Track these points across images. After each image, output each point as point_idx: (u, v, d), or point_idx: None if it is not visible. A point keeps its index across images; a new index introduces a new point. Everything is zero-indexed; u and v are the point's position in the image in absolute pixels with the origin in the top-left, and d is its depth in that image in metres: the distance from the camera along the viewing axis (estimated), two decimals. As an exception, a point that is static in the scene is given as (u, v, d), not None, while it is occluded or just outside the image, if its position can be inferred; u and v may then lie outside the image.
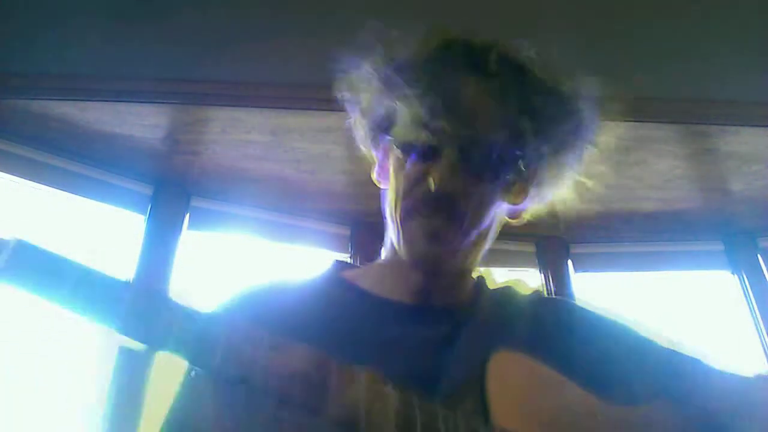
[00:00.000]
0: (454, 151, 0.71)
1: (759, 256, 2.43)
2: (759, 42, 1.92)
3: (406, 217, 0.74)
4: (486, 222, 0.75)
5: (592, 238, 2.46)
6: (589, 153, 0.82)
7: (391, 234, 0.78)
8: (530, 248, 2.44)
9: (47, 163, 1.95)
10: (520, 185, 0.78)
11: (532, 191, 0.80)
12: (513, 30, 0.79)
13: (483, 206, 0.74)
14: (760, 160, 2.11)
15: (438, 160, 0.71)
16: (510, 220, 0.83)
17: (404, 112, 0.74)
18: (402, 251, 0.75)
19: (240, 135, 1.95)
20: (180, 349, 0.52)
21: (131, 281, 0.54)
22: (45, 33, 1.73)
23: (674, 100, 1.95)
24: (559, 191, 0.82)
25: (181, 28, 1.78)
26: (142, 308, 0.52)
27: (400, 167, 0.76)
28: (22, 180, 1.92)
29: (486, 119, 0.73)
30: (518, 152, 0.73)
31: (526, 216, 0.84)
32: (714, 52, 1.90)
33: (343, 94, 0.82)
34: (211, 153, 2.02)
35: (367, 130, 0.81)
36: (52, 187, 1.96)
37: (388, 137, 0.77)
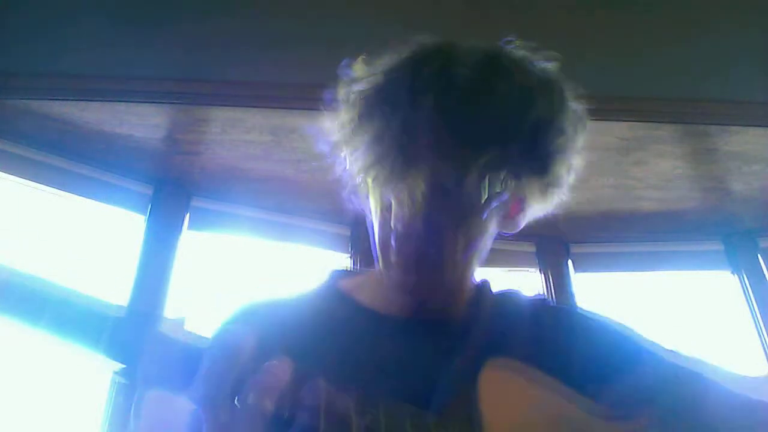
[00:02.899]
0: (415, 175, 0.67)
1: (759, 256, 2.43)
2: (759, 42, 1.92)
3: (383, 245, 0.73)
4: (472, 241, 0.72)
5: (592, 238, 2.46)
6: (580, 161, 0.79)
7: (377, 257, 0.76)
8: (530, 248, 2.44)
9: (47, 163, 1.95)
10: (507, 202, 0.74)
11: (523, 206, 0.77)
12: (504, 27, 0.77)
13: (463, 227, 0.70)
14: (760, 160, 2.11)
15: (402, 187, 0.68)
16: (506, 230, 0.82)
17: (365, 137, 0.70)
18: (385, 276, 0.74)
19: (240, 135, 1.95)
20: (166, 387, 0.51)
21: (117, 308, 0.53)
22: (45, 33, 1.73)
23: (674, 100, 1.95)
24: (553, 203, 0.80)
25: (181, 29, 1.78)
26: (125, 341, 0.51)
27: (374, 194, 0.74)
28: (22, 180, 1.92)
29: (447, 141, 0.67)
30: (491, 166, 0.68)
31: (520, 226, 0.81)
32: (714, 52, 1.90)
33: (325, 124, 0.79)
34: (211, 153, 2.02)
35: (346, 160, 0.77)
36: (52, 187, 1.96)
37: (362, 166, 0.72)
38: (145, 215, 2.06)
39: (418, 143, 0.67)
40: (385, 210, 0.71)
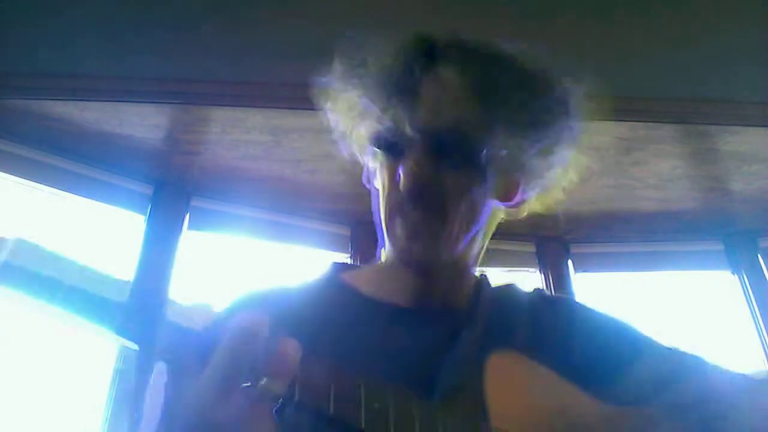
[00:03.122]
0: (418, 142, 0.71)
1: (759, 256, 2.43)
2: (759, 42, 1.92)
3: (389, 218, 0.75)
4: (473, 216, 0.74)
5: (592, 238, 2.46)
6: (581, 148, 0.81)
7: (383, 236, 0.78)
8: (530, 248, 2.44)
9: (47, 163, 1.95)
10: (508, 180, 0.77)
11: (524, 186, 0.79)
12: (505, 27, 0.78)
13: (465, 198, 0.73)
14: (760, 160, 2.11)
15: (406, 155, 0.72)
16: (508, 216, 0.83)
17: (368, 112, 0.75)
18: (390, 252, 0.76)
19: (240, 135, 1.95)
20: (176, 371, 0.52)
21: (131, 285, 0.54)
22: (45, 33, 1.74)
23: (674, 100, 1.95)
24: (555, 187, 0.81)
25: (181, 29, 1.78)
26: (139, 320, 0.51)
27: (381, 169, 0.77)
28: (22, 180, 1.92)
29: (446, 108, 0.72)
30: (490, 137, 0.72)
31: (523, 212, 0.83)
32: (714, 52, 1.90)
33: (324, 104, 0.82)
34: (211, 153, 2.02)
35: (349, 136, 0.81)
36: (52, 187, 1.96)
37: (367, 140, 0.78)
38: (145, 215, 2.06)
39: (434, 107, 0.72)
40: (393, 182, 0.74)
